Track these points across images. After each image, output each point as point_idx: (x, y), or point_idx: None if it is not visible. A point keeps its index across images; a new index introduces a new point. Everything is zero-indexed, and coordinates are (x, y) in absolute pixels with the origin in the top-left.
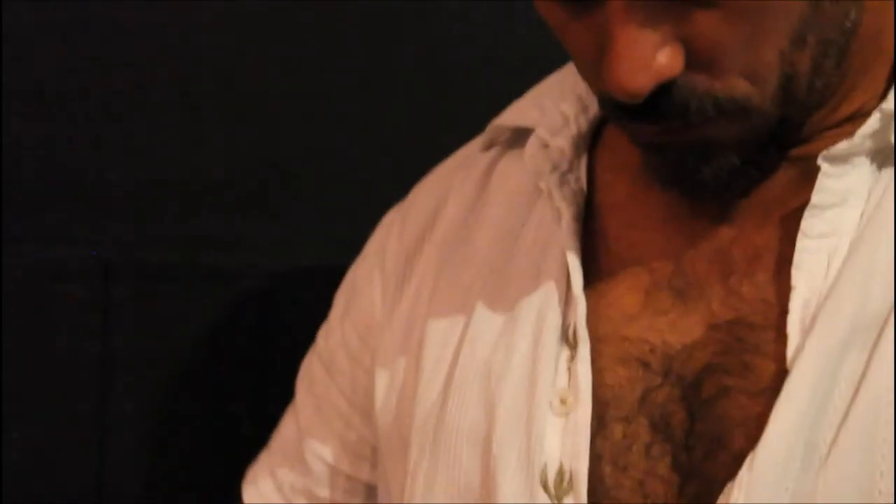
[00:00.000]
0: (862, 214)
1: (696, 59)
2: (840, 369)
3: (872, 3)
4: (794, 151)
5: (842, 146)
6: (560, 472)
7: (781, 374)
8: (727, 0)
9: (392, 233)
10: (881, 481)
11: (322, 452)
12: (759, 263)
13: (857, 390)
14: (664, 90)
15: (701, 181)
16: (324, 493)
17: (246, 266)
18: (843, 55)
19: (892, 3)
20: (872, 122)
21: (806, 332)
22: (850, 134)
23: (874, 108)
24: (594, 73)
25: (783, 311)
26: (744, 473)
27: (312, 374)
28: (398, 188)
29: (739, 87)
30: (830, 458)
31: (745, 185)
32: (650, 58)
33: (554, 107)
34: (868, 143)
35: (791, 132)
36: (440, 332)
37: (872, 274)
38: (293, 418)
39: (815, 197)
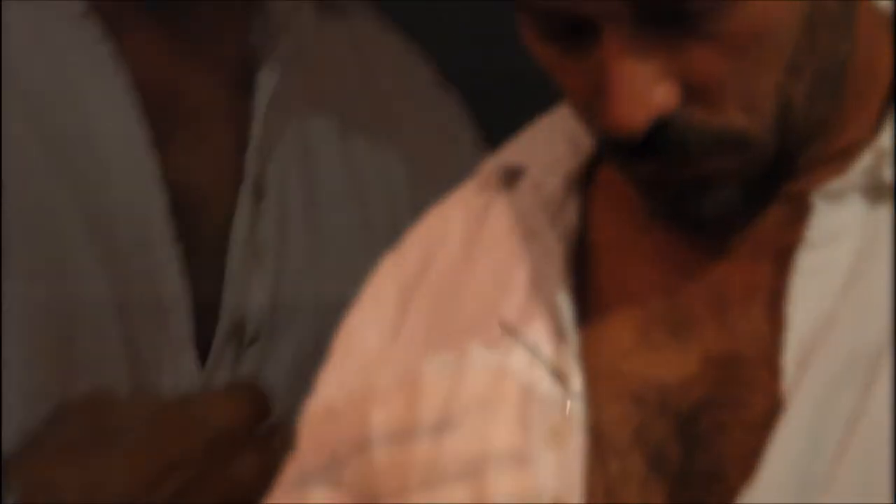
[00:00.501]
0: (856, 251)
1: (692, 93)
2: (835, 405)
3: (865, 33)
4: (789, 186)
5: (835, 183)
6: None
7: (776, 409)
8: (723, 31)
9: (388, 275)
10: None
11: (323, 497)
12: (753, 299)
13: (852, 426)
14: (661, 126)
15: (701, 216)
16: None
17: None
18: (838, 86)
19: (884, 33)
20: (866, 158)
21: (800, 368)
22: (844, 168)
23: (867, 140)
24: (590, 113)
25: (778, 347)
26: None
27: (312, 420)
28: None
29: (737, 119)
30: (826, 494)
31: (744, 219)
32: (648, 92)
33: (546, 147)
34: (861, 180)
35: (788, 165)
36: (435, 371)
37: (867, 310)
38: (295, 465)
39: (809, 233)
